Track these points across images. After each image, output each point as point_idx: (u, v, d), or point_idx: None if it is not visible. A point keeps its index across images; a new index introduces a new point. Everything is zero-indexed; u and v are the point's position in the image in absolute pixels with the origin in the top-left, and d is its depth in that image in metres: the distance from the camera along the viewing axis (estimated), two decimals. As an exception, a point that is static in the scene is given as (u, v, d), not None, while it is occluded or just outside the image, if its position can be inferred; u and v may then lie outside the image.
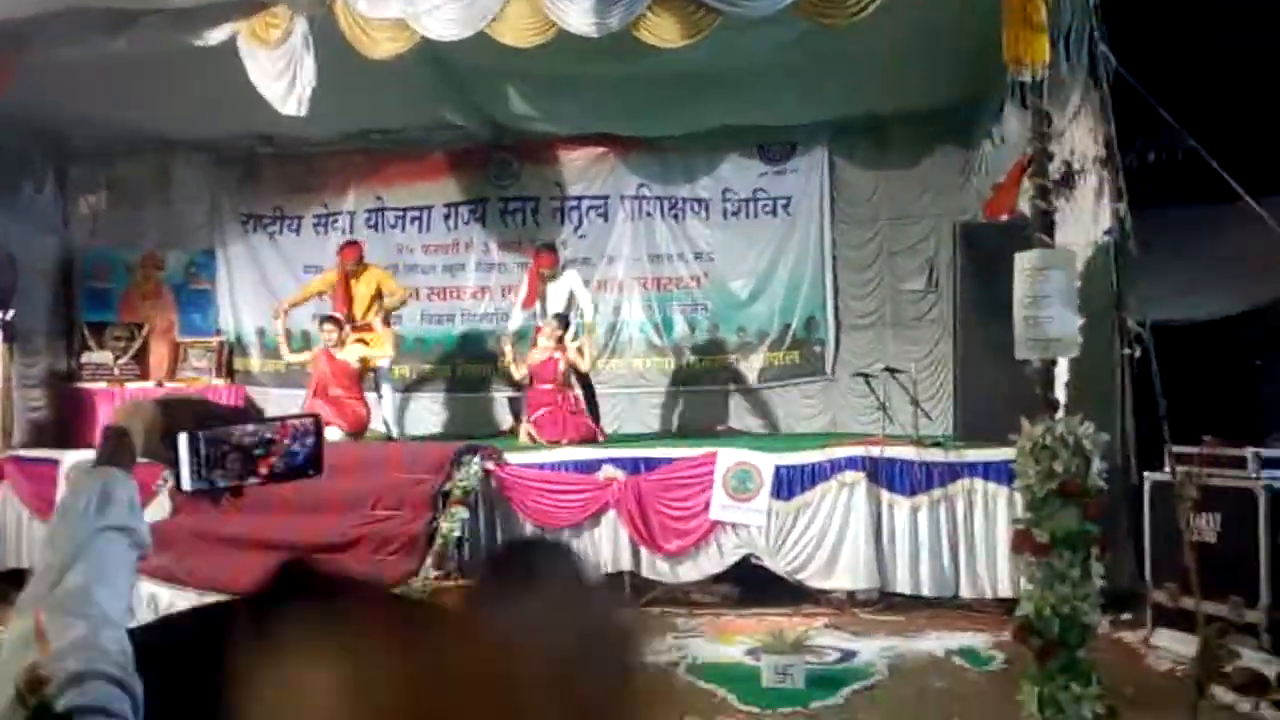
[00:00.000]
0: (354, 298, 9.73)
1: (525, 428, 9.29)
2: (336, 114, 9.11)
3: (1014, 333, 6.41)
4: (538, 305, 9.70)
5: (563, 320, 9.39)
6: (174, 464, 1.28)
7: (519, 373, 9.51)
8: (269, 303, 11.23)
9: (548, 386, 9.26)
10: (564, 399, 9.27)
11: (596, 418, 9.60)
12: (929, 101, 9.68)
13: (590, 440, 9.04)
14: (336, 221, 11.32)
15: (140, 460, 1.28)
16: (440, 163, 11.18)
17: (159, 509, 7.34)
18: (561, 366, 9.23)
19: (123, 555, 1.18)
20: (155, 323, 11.15)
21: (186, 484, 1.29)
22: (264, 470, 1.32)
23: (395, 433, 10.01)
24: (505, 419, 10.75)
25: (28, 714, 0.97)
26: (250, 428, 1.32)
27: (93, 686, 1.02)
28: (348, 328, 9.51)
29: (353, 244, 10.00)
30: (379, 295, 9.79)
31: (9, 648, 1.08)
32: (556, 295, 9.66)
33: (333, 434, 9.03)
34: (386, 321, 9.91)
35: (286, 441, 1.33)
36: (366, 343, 9.55)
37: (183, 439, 1.28)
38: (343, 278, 9.80)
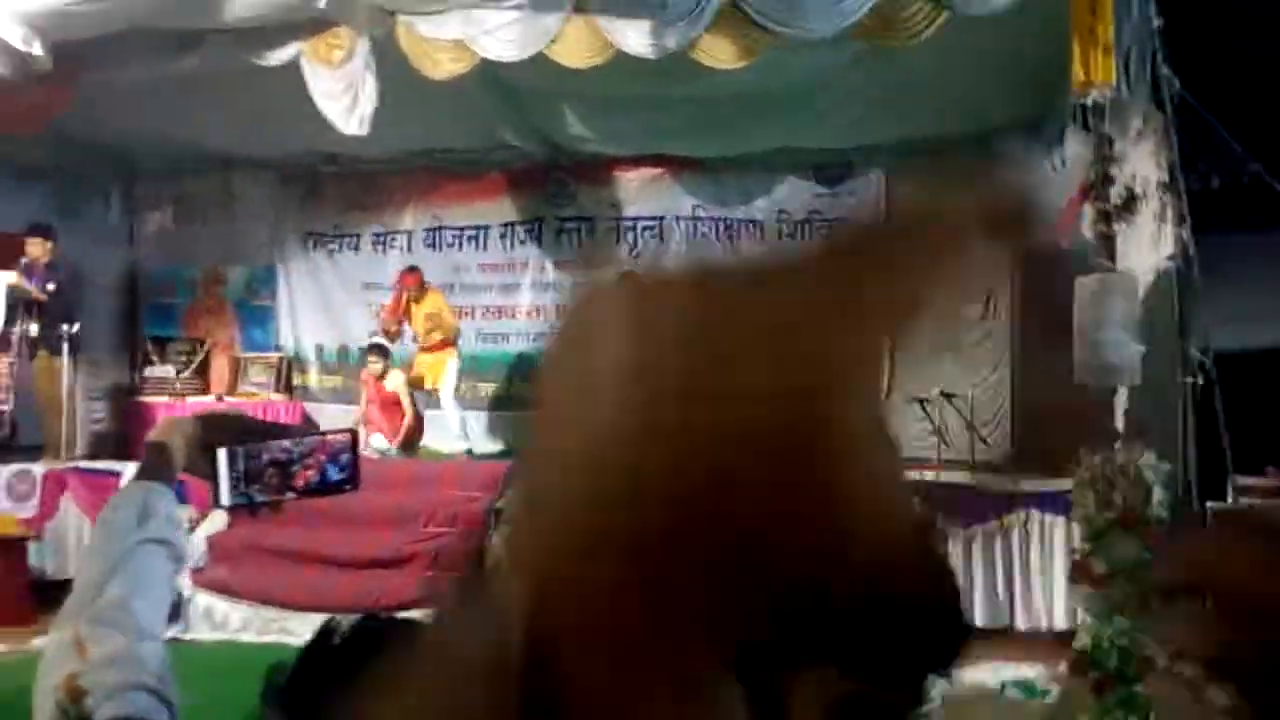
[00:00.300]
0: (414, 321, 9.83)
1: None
2: (396, 133, 9.22)
3: (1074, 359, 6.34)
4: None
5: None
6: (213, 478, 1.30)
7: None
8: (327, 320, 11.40)
9: None
10: None
11: None
12: (988, 124, 9.58)
13: None
14: (395, 240, 11.43)
15: (180, 474, 1.29)
16: (498, 182, 11.24)
17: (215, 522, 7.42)
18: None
19: (161, 568, 1.19)
20: (217, 338, 11.34)
21: (225, 498, 1.30)
22: (300, 485, 1.33)
23: (454, 450, 10.05)
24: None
25: None
26: (287, 443, 1.33)
27: (131, 697, 1.03)
28: (392, 357, 9.78)
29: (414, 270, 10.14)
30: (438, 320, 9.92)
31: (50, 658, 1.09)
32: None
33: (378, 441, 9.19)
34: (448, 344, 10.01)
35: (323, 457, 1.34)
36: (425, 366, 9.76)
37: (221, 454, 1.29)
38: (403, 303, 9.97)
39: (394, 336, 10.04)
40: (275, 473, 1.31)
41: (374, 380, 9.58)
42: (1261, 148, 6.42)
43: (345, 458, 1.36)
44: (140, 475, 1.25)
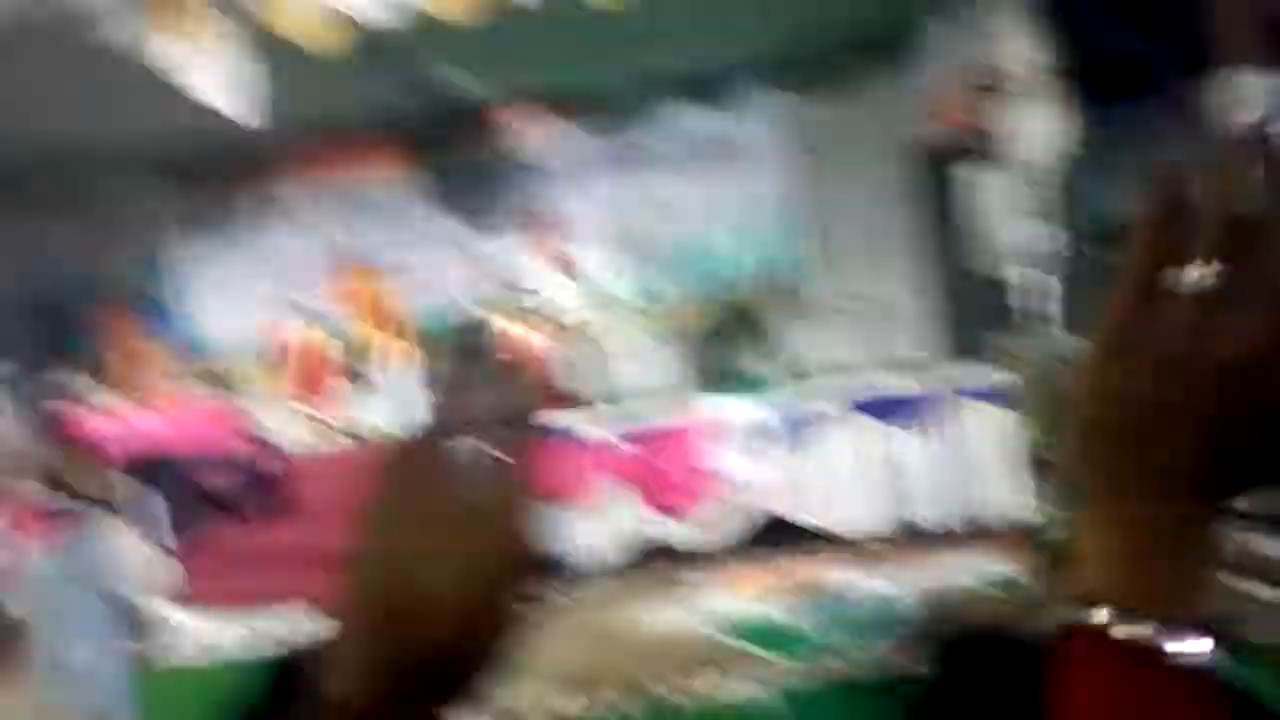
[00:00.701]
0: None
1: None
2: (282, 110, 8.99)
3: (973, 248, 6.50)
4: None
5: None
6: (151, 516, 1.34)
7: None
8: (238, 306, 11.17)
9: None
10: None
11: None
12: (864, 21, 9.64)
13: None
14: (287, 213, 11.20)
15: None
16: (386, 143, 11.05)
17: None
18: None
19: (104, 611, 1.24)
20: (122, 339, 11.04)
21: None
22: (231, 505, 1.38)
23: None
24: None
25: None
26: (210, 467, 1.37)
27: None
28: None
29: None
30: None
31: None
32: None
33: None
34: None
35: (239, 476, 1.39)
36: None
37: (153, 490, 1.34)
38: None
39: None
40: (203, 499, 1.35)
41: None
42: (1137, 17, 6.57)
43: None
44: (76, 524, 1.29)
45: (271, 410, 10.90)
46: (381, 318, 9.66)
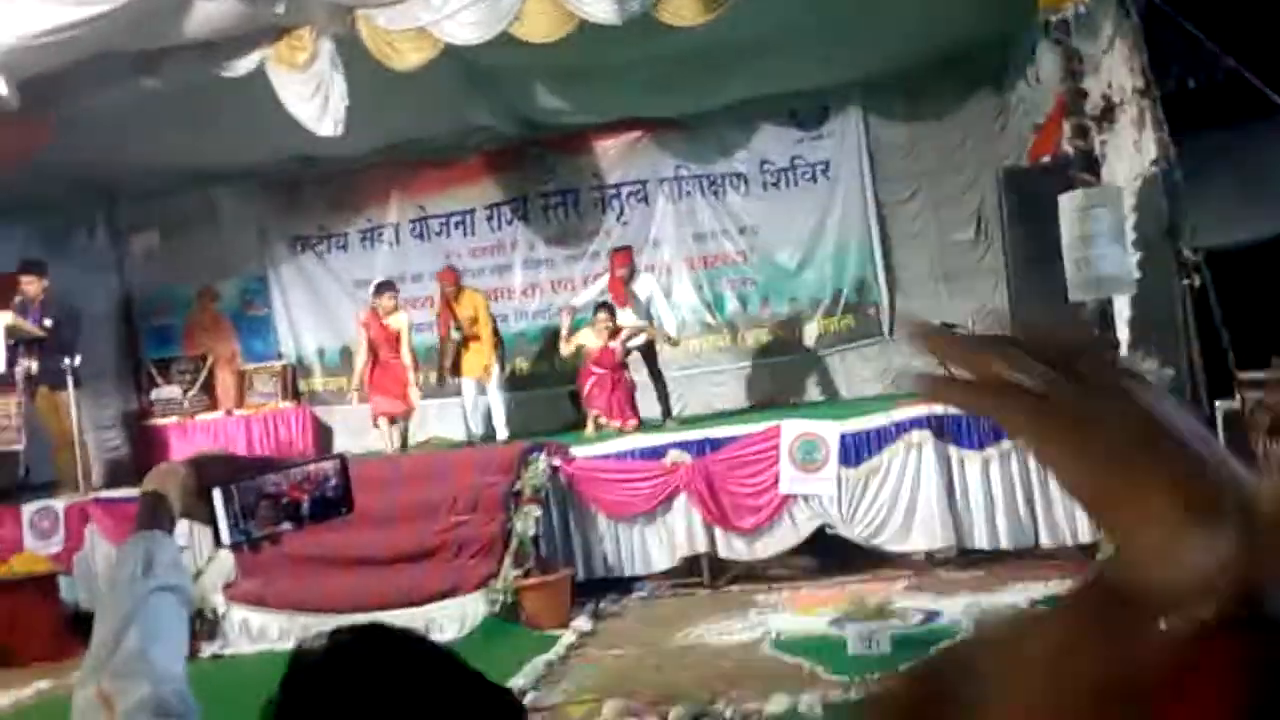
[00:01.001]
0: (458, 319, 9.80)
1: (591, 416, 9.32)
2: (371, 129, 9.21)
3: (1067, 275, 6.35)
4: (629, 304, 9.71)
5: (610, 311, 9.40)
6: (211, 520, 1.33)
7: (567, 349, 9.57)
8: (325, 322, 11.44)
9: (601, 371, 9.33)
10: (616, 383, 9.32)
11: (666, 405, 9.70)
12: (959, 47, 9.54)
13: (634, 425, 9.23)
14: (382, 234, 11.46)
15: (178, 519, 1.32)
16: (477, 165, 11.26)
17: (221, 566, 7.51)
18: (617, 356, 9.27)
19: (173, 611, 1.23)
20: (218, 353, 11.40)
21: (225, 538, 1.34)
22: (296, 515, 1.37)
23: (485, 433, 10.04)
24: (569, 413, 10.81)
25: None
26: (277, 476, 1.37)
27: None
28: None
29: (450, 269, 10.08)
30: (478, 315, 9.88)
31: (78, 716, 1.14)
32: (641, 293, 9.74)
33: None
34: (492, 334, 9.96)
35: (314, 485, 1.38)
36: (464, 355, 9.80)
37: (216, 495, 1.33)
38: (444, 300, 9.91)
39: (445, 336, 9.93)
40: (270, 506, 1.35)
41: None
42: (1232, 43, 6.40)
43: (336, 482, 1.39)
44: (139, 525, 1.29)
45: (353, 420, 11.14)
46: (468, 333, 9.72)
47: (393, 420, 9.71)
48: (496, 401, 9.94)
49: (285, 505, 1.36)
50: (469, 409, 10.07)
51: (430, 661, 1.13)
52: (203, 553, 7.23)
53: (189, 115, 8.59)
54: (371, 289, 9.96)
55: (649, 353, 9.70)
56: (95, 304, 10.83)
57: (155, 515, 1.30)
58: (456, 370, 9.87)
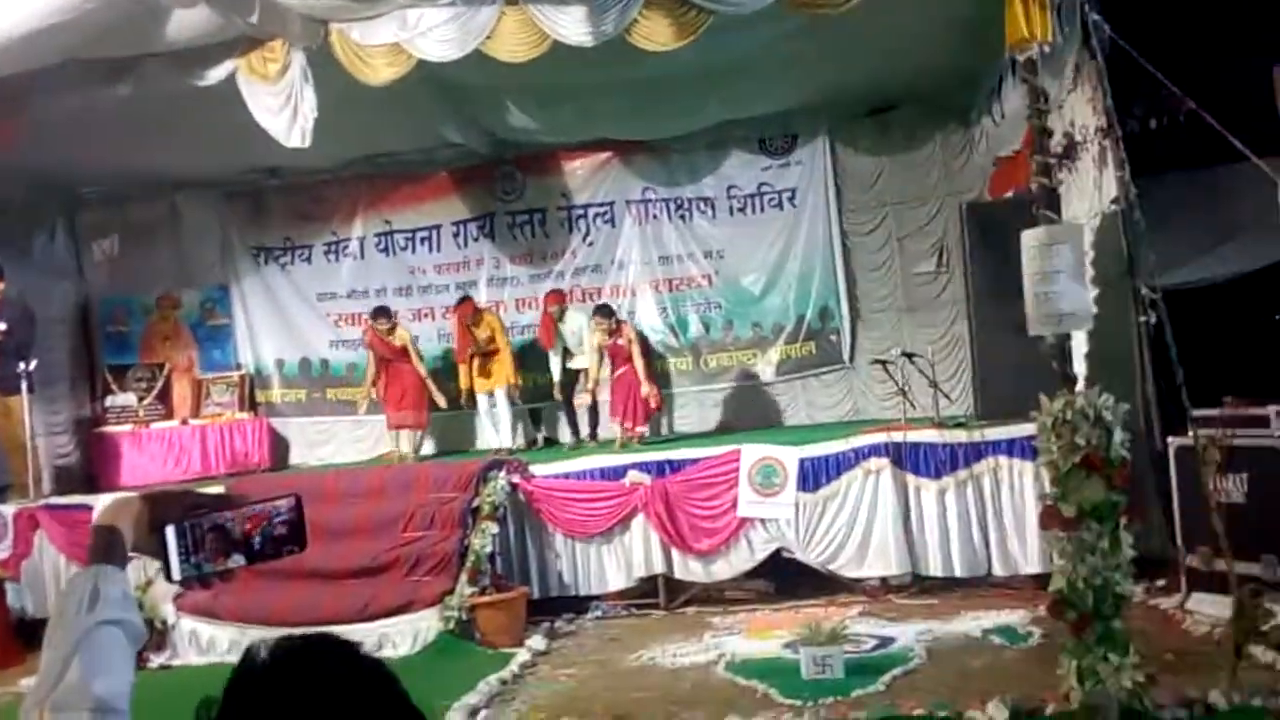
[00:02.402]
0: (477, 341, 9.93)
1: (618, 429, 9.53)
2: (339, 142, 9.20)
3: (1026, 310, 6.43)
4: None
5: (607, 312, 9.70)
6: (163, 556, 1.34)
7: (589, 364, 9.87)
8: (286, 333, 11.37)
9: (619, 371, 9.62)
10: (633, 383, 9.56)
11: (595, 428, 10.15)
12: (927, 82, 9.67)
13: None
14: (347, 248, 11.40)
15: (130, 555, 1.33)
16: (445, 182, 11.24)
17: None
18: (623, 342, 9.63)
19: (119, 645, 1.23)
20: (176, 362, 11.28)
21: (176, 574, 1.35)
22: (248, 551, 1.38)
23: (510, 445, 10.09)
24: (530, 431, 10.78)
25: None
26: (229, 514, 1.37)
27: None
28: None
29: (466, 299, 10.24)
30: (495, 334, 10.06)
31: None
32: (571, 332, 10.13)
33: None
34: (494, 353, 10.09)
35: (267, 522, 1.39)
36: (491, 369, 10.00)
37: (169, 531, 1.34)
38: (462, 328, 10.01)
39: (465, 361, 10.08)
40: (222, 542, 1.36)
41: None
42: (1194, 85, 6.52)
43: (289, 519, 1.40)
44: (91, 558, 1.29)
45: (309, 432, 11.08)
46: (488, 349, 9.90)
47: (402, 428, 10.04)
48: (506, 413, 10.03)
49: (237, 541, 1.37)
50: (498, 420, 10.13)
51: (365, 679, 1.15)
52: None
53: (154, 121, 8.51)
54: (369, 315, 10.24)
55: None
56: (52, 308, 10.71)
57: (108, 549, 1.30)
58: (485, 376, 10.01)
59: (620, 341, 9.58)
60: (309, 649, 1.17)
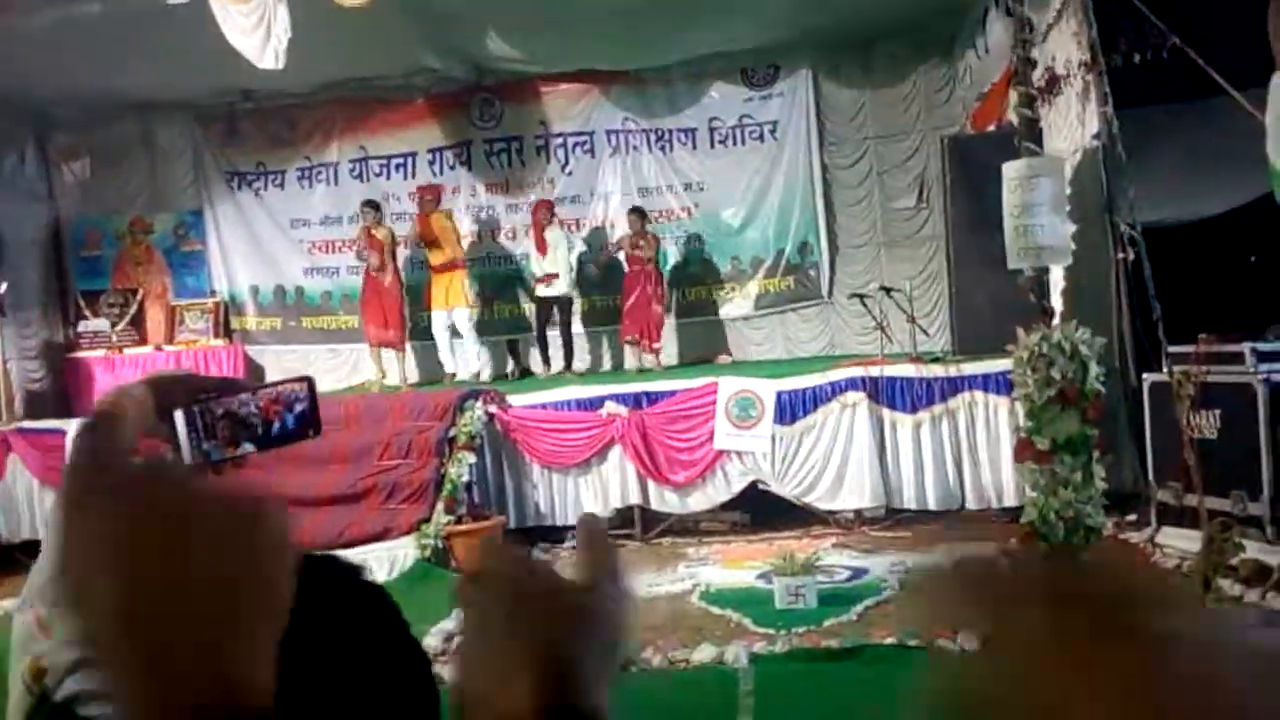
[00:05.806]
0: (424, 232, 10.12)
1: (634, 353, 9.66)
2: (314, 65, 9.04)
3: (1006, 243, 6.43)
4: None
5: (640, 214, 9.94)
6: (173, 441, 1.28)
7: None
8: (260, 260, 11.26)
9: (637, 292, 9.82)
10: (652, 299, 9.80)
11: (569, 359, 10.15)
12: (912, 13, 9.57)
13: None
14: (320, 174, 11.26)
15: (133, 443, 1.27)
16: (421, 108, 11.08)
17: None
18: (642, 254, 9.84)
19: None
20: (149, 287, 11.16)
21: (186, 459, 1.29)
22: (261, 436, 1.32)
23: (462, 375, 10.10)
24: (503, 363, 10.76)
25: (31, 704, 1.00)
26: (244, 397, 1.32)
27: (91, 672, 1.06)
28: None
29: (432, 186, 10.52)
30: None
31: (16, 642, 1.11)
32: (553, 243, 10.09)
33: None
34: (455, 266, 10.14)
35: (280, 407, 1.34)
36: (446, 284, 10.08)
37: (178, 415, 1.27)
38: (422, 216, 10.15)
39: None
40: (234, 428, 1.30)
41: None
42: (1179, 21, 6.46)
43: (303, 405, 1.35)
44: (82, 453, 1.24)
45: (286, 359, 11.01)
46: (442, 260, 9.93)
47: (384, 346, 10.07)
48: (471, 341, 10.02)
49: (250, 427, 1.32)
50: (457, 350, 10.12)
51: (369, 603, 1.13)
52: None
53: (126, 41, 8.33)
54: (359, 206, 10.27)
55: (565, 305, 10.04)
56: (23, 232, 10.56)
57: (109, 441, 1.25)
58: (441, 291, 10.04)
59: (639, 253, 9.73)
60: (312, 568, 1.13)
